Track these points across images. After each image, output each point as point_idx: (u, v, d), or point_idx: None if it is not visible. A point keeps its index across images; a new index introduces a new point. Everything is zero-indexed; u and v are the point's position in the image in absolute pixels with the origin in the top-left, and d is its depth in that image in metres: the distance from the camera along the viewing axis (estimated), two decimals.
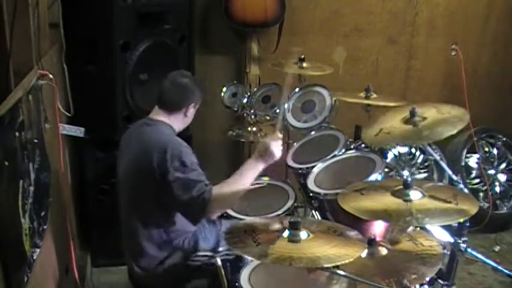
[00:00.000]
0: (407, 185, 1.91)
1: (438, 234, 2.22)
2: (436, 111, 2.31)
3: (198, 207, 2.21)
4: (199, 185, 2.20)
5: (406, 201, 1.87)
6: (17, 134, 1.61)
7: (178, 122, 2.43)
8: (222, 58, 3.89)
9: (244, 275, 2.07)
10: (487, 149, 4.03)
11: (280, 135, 2.41)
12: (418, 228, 2.13)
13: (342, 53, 3.88)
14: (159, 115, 2.41)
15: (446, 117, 2.25)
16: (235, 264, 2.29)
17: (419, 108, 2.29)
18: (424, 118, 2.25)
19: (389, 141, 2.30)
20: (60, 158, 2.30)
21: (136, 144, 2.36)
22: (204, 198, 2.18)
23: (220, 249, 2.37)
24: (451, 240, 2.19)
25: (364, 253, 1.75)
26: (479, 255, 2.31)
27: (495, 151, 4.04)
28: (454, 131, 2.16)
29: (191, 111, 2.44)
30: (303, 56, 3.26)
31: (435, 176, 3.88)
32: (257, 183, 2.70)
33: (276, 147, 2.33)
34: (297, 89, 3.12)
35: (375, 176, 2.40)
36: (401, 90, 4.09)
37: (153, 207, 2.31)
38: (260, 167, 2.33)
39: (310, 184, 2.56)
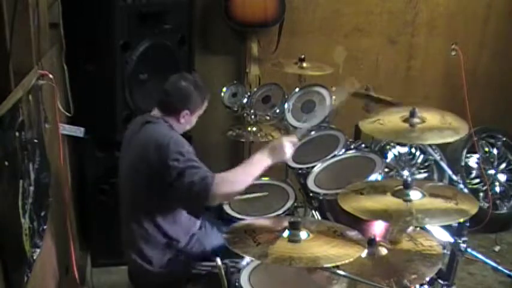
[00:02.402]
0: (407, 185, 1.91)
1: (438, 234, 2.22)
2: (439, 118, 2.30)
3: (199, 193, 2.14)
4: (200, 171, 2.16)
5: (406, 201, 1.87)
6: (17, 134, 1.61)
7: (173, 124, 2.38)
8: (222, 58, 3.89)
9: (244, 275, 2.07)
10: (487, 149, 4.03)
11: (296, 140, 2.39)
12: (418, 228, 2.13)
13: (342, 53, 3.88)
14: (157, 113, 2.39)
15: (445, 126, 2.25)
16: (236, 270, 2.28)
17: (424, 112, 2.29)
18: (424, 121, 2.26)
19: (380, 132, 2.30)
20: (60, 158, 2.30)
21: (136, 142, 2.35)
22: (207, 182, 2.12)
23: (225, 261, 2.34)
24: (451, 240, 2.19)
25: (364, 253, 1.76)
26: (479, 255, 2.31)
27: (495, 151, 4.04)
28: (449, 140, 2.17)
29: (186, 118, 2.36)
30: (303, 56, 3.26)
31: (435, 176, 3.88)
32: (260, 184, 2.72)
33: (289, 148, 2.32)
34: (297, 89, 3.12)
35: (375, 176, 2.40)
36: (401, 90, 4.09)
37: (155, 207, 2.30)
38: (268, 161, 2.30)
39: (310, 184, 2.56)
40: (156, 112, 2.41)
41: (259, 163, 2.28)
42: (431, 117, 2.28)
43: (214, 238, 2.43)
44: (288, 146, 2.31)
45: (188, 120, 2.40)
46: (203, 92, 2.41)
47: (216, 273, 2.18)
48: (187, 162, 2.18)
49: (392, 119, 2.30)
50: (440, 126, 2.22)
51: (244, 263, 2.12)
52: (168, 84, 2.40)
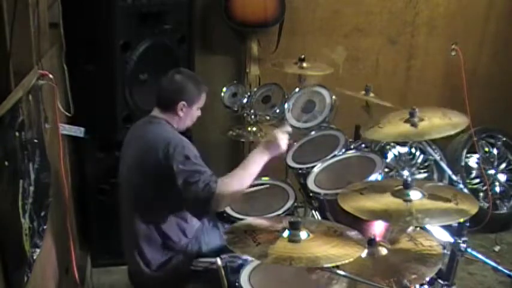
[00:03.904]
0: (407, 185, 1.91)
1: (438, 234, 2.22)
2: (440, 115, 2.31)
3: (204, 199, 2.17)
4: (204, 176, 2.18)
5: (406, 201, 1.87)
6: (17, 134, 1.61)
7: (174, 121, 2.40)
8: (222, 58, 3.89)
9: (244, 275, 2.07)
10: (487, 149, 4.03)
11: (289, 129, 2.43)
12: (418, 228, 2.13)
13: (342, 52, 3.88)
14: (158, 113, 2.41)
15: (446, 122, 2.26)
16: (236, 265, 2.29)
17: (425, 112, 2.30)
18: (423, 120, 2.27)
19: (380, 134, 2.32)
20: (60, 158, 2.30)
21: (140, 142, 2.36)
22: (210, 188, 2.15)
23: (224, 256, 2.33)
24: (451, 240, 2.19)
25: (364, 253, 1.76)
26: (479, 255, 2.31)
27: (495, 151, 4.04)
28: (452, 132, 2.18)
29: (184, 110, 2.37)
30: (303, 56, 3.26)
31: (435, 176, 3.88)
32: (259, 184, 2.72)
33: (283, 140, 2.34)
34: (297, 89, 3.12)
35: (375, 176, 2.40)
36: (401, 90, 4.09)
37: (156, 207, 2.30)
38: (265, 158, 2.32)
39: (310, 184, 2.56)
40: (156, 112, 2.41)
41: (257, 161, 2.30)
42: (431, 116, 2.29)
43: (213, 237, 2.43)
44: (282, 138, 2.34)
45: (187, 113, 2.39)
46: (198, 84, 2.42)
47: (214, 268, 2.22)
48: (192, 166, 2.20)
49: (391, 121, 2.33)
50: (443, 122, 2.24)
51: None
52: (164, 79, 2.43)
